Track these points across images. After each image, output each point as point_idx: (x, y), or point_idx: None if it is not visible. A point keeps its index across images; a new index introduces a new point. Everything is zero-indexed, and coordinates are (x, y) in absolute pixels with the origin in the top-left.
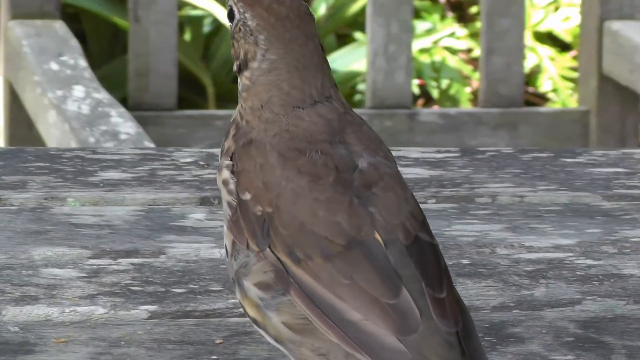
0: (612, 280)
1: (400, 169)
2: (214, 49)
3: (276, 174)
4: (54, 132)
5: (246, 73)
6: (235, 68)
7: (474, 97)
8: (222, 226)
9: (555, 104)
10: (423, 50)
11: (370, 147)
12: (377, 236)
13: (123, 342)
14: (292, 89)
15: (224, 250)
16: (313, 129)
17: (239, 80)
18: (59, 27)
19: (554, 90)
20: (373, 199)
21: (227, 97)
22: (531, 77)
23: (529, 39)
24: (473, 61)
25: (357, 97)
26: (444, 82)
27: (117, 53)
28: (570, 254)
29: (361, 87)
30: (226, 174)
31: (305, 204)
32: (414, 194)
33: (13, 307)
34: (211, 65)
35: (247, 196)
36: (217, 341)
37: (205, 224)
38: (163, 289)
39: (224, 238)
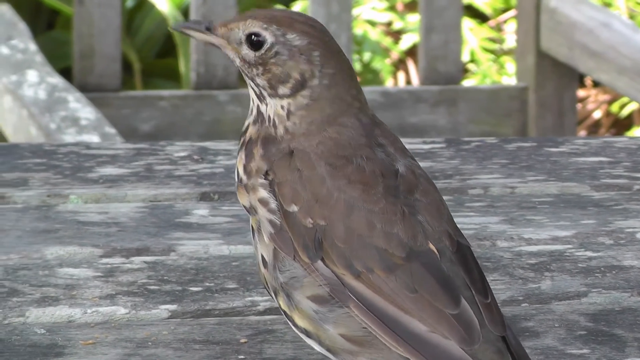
0: (613, 272)
1: None
2: (137, 24)
3: (326, 184)
4: (9, 118)
5: (303, 93)
6: (281, 92)
7: (395, 70)
8: (228, 222)
9: (475, 75)
10: None
11: (399, 148)
12: (432, 246)
13: (150, 343)
14: (352, 99)
15: (259, 258)
16: (354, 134)
17: (277, 101)
18: (6, 10)
19: (473, 61)
20: (418, 206)
21: (152, 73)
22: None
23: None
24: (393, 33)
25: None
26: (366, 55)
27: (39, 30)
28: (570, 246)
29: None
30: (263, 193)
31: (360, 215)
32: None
33: (36, 309)
34: (135, 41)
35: (294, 208)
36: (242, 340)
37: (210, 220)
38: (180, 288)
39: (255, 247)
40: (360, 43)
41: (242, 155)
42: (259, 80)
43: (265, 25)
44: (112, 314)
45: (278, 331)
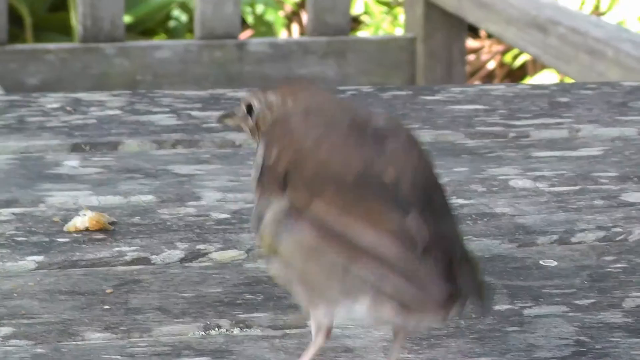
0: (485, 219)
1: None
2: None
3: (299, 126)
4: None
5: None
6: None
7: (288, 22)
8: (98, 173)
9: (368, 27)
10: None
11: (383, 114)
12: (389, 170)
13: (15, 295)
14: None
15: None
16: (325, 102)
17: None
18: None
19: (367, 13)
20: (387, 144)
21: (44, 27)
22: None
23: None
24: None
25: (172, 23)
26: (259, 8)
27: None
28: None
29: (175, 13)
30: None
31: (322, 147)
32: None
33: None
34: None
35: (274, 152)
36: (108, 290)
37: (80, 171)
38: (47, 239)
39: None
40: None
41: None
42: (258, 137)
43: (252, 95)
44: None
45: (144, 281)
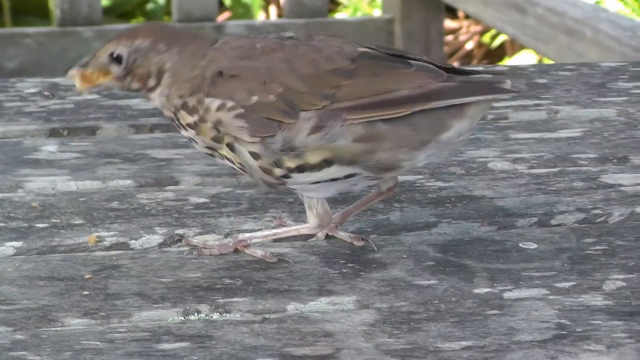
0: (464, 202)
1: None
2: None
3: (258, 67)
4: None
5: (165, 76)
6: (150, 84)
7: (266, 4)
8: (76, 158)
9: (347, 8)
10: None
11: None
12: (360, 48)
13: None
14: (204, 49)
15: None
16: (238, 42)
17: (155, 94)
18: None
19: None
20: (326, 41)
21: (22, 10)
22: None
23: None
24: None
25: (150, 5)
26: None
27: None
28: (420, 177)
29: None
30: (215, 103)
31: (299, 62)
32: None
33: None
34: None
35: (254, 98)
36: (87, 276)
37: (59, 156)
38: (26, 225)
39: (240, 154)
40: None
41: (181, 114)
42: (134, 86)
43: (115, 44)
44: None
45: (123, 266)
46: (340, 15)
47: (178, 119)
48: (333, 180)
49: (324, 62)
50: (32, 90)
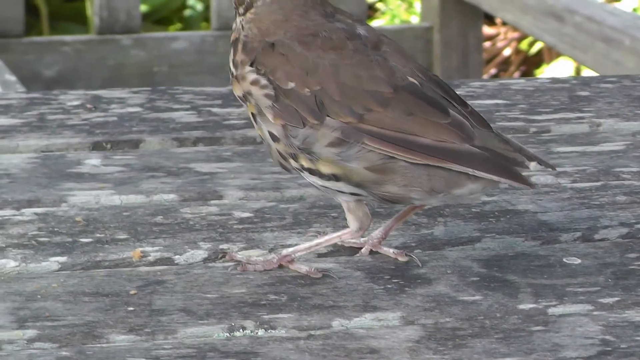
0: (507, 216)
1: None
2: None
3: (309, 58)
4: None
5: (251, 11)
6: (240, 11)
7: None
8: (120, 172)
9: (384, 15)
10: None
11: (356, 20)
12: (411, 79)
13: (39, 296)
14: (294, 13)
15: (266, 135)
16: (309, 21)
17: (240, 18)
18: None
19: (382, 1)
20: (387, 55)
21: (59, 16)
22: None
23: None
24: None
25: (188, 12)
26: None
27: None
28: None
29: (191, 1)
30: (252, 76)
31: (345, 71)
32: None
33: None
34: None
35: (291, 85)
36: (132, 292)
37: (102, 169)
38: (70, 239)
39: (260, 128)
40: None
41: (231, 51)
42: (232, 3)
43: None
44: (2, 267)
45: (168, 282)
46: (377, 22)
47: (234, 45)
48: (340, 192)
49: (367, 81)
50: (75, 103)
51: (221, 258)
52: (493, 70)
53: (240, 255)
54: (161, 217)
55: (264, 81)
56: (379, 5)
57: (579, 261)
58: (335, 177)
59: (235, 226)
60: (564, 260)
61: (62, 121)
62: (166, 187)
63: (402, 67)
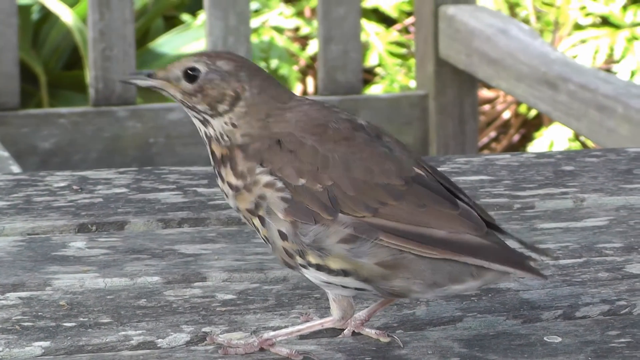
0: (489, 295)
1: None
2: (43, 36)
3: (319, 152)
4: None
5: (239, 105)
6: (220, 109)
7: (303, 76)
8: (105, 255)
9: (384, 80)
10: (252, 31)
11: (348, 112)
12: (418, 170)
13: None
14: (287, 95)
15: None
16: (313, 109)
17: (222, 119)
18: None
19: (381, 65)
20: (390, 146)
21: (59, 85)
22: None
23: None
24: (300, 39)
25: None
26: (274, 62)
27: None
28: None
29: None
30: (267, 178)
31: (357, 165)
32: None
33: None
34: (41, 53)
35: (301, 181)
36: None
37: (87, 252)
38: (54, 324)
39: (268, 229)
40: (266, 50)
41: (227, 170)
42: (200, 107)
43: (196, 59)
44: None
45: None
46: (376, 87)
47: (223, 162)
48: (343, 287)
49: (379, 174)
50: (62, 184)
51: (203, 341)
52: (493, 133)
53: (222, 339)
54: (145, 300)
55: (279, 184)
56: (378, 69)
57: (559, 339)
58: (344, 273)
59: (218, 308)
60: (545, 338)
61: (49, 203)
62: (150, 269)
63: (406, 157)
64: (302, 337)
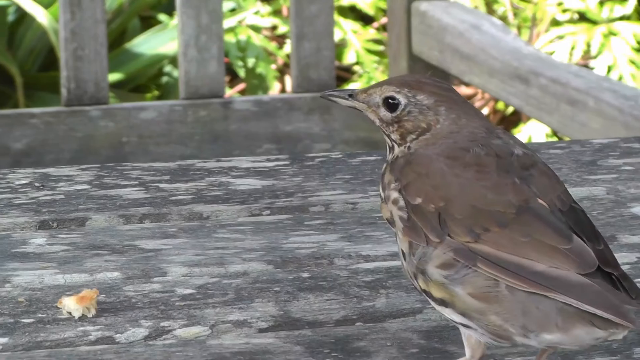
0: None
1: (232, 179)
2: (19, 38)
3: (445, 174)
4: None
5: (426, 135)
6: (408, 139)
7: (280, 75)
8: (65, 251)
9: (361, 78)
10: (228, 30)
11: (518, 143)
12: (541, 201)
13: None
14: (473, 127)
15: (400, 257)
16: (471, 134)
17: (404, 146)
18: None
19: (359, 63)
20: (531, 180)
21: (35, 86)
22: (336, 52)
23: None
24: (277, 38)
25: (164, 79)
26: (250, 61)
27: None
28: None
29: (167, 69)
30: (395, 194)
31: (473, 190)
32: (248, 206)
33: None
34: (17, 54)
35: (418, 200)
36: None
37: (47, 249)
38: (12, 320)
39: (398, 246)
40: (243, 49)
41: (382, 179)
42: (393, 136)
43: (398, 90)
44: None
45: None
46: (354, 85)
47: (384, 173)
48: (452, 320)
49: (492, 202)
50: (23, 182)
51: (161, 336)
52: None
53: None
54: (104, 295)
55: (402, 202)
56: (356, 67)
57: None
58: (443, 303)
59: (177, 303)
60: None
61: (10, 200)
62: (110, 265)
63: (542, 190)
64: (262, 330)
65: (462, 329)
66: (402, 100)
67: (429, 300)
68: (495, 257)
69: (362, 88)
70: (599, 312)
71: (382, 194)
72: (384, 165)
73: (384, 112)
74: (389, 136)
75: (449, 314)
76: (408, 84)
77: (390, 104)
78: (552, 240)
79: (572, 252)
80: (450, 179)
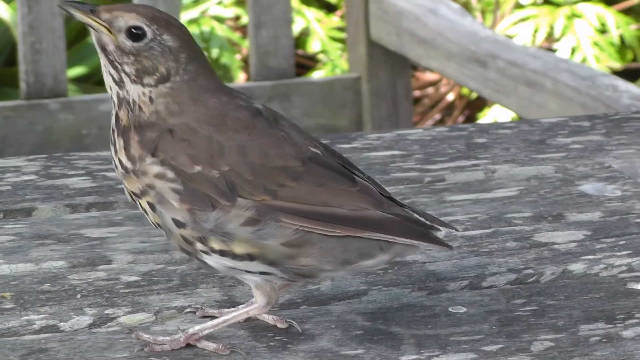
0: (395, 268)
1: None
2: None
3: (215, 140)
4: None
5: (166, 85)
6: (145, 81)
7: (245, 65)
8: (10, 241)
9: (326, 66)
10: (192, 21)
11: (250, 98)
12: (314, 150)
13: None
14: (213, 87)
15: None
16: (217, 101)
17: (144, 89)
18: None
19: (323, 52)
20: (290, 131)
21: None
22: (300, 40)
23: (295, 2)
24: (241, 28)
25: None
26: (215, 52)
27: None
28: None
29: None
30: (157, 169)
31: (254, 150)
32: None
33: None
34: None
35: (197, 168)
36: None
37: None
38: None
39: (161, 217)
40: (207, 40)
41: (121, 142)
42: (126, 68)
43: (147, 23)
44: None
45: (51, 350)
46: (318, 72)
47: (123, 133)
48: (247, 271)
49: (276, 158)
50: None
51: (105, 323)
52: (437, 116)
53: (147, 336)
54: (49, 284)
55: (170, 174)
56: (321, 56)
57: (464, 310)
58: (249, 257)
59: (122, 290)
60: (450, 309)
61: None
62: (55, 254)
63: (303, 139)
64: (205, 315)
65: (252, 280)
66: (149, 34)
67: (216, 257)
68: (295, 209)
69: (106, 6)
70: (416, 242)
71: (127, 166)
72: (123, 119)
73: (123, 39)
74: (120, 66)
75: (253, 267)
76: (158, 21)
77: (134, 34)
78: (342, 184)
79: (362, 192)
80: (227, 143)
